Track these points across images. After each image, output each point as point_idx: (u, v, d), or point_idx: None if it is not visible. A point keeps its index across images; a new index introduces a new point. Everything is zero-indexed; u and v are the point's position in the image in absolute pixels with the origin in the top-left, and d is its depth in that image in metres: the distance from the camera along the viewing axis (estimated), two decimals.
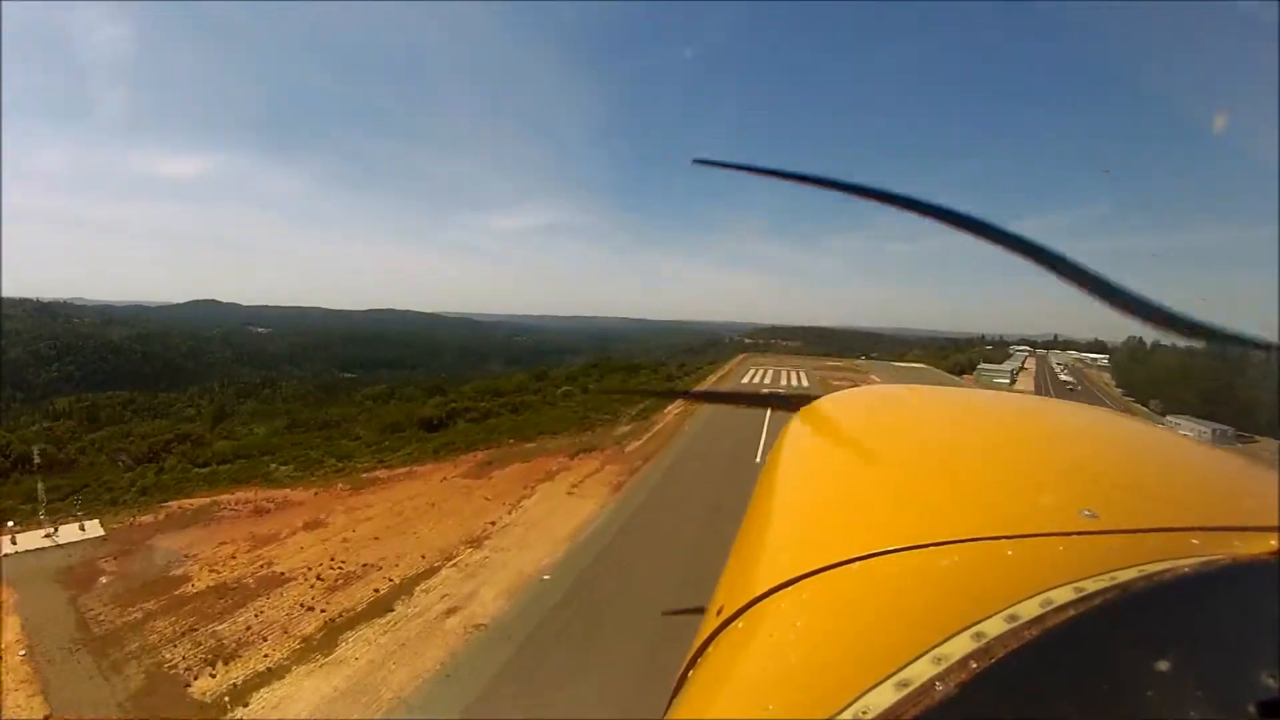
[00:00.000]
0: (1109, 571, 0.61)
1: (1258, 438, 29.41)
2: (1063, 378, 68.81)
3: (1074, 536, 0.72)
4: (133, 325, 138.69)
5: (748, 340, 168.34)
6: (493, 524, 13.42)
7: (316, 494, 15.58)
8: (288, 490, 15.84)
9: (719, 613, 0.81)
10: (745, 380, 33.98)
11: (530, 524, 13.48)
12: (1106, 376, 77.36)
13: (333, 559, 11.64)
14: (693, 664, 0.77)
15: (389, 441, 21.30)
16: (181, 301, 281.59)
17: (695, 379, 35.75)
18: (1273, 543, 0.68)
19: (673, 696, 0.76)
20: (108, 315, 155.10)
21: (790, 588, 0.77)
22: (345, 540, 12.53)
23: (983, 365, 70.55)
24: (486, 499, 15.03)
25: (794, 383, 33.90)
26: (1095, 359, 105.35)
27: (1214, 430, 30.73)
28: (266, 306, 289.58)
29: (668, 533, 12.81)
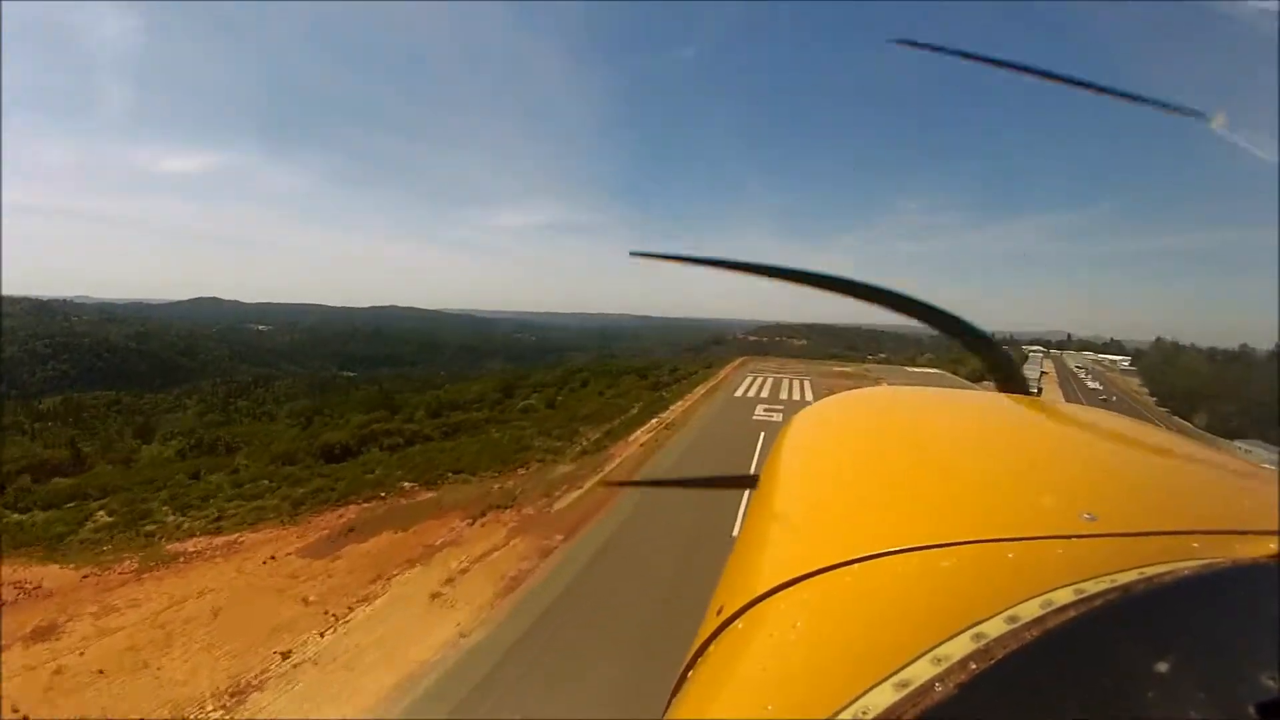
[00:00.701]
0: (1109, 574, 0.61)
1: None
2: (1090, 385, 62.96)
3: (1074, 539, 0.73)
4: (130, 323, 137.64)
5: (751, 338, 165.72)
6: (285, 657, 8.41)
7: (87, 577, 11.38)
8: (57, 566, 11.80)
9: (719, 613, 0.81)
10: (739, 394, 28.54)
11: (342, 663, 8.30)
12: (1135, 383, 72.10)
13: (14, 710, 7.71)
14: (693, 664, 0.77)
15: (268, 479, 16.75)
16: (183, 299, 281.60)
17: (687, 385, 31.59)
18: (1273, 546, 0.68)
19: (673, 696, 0.76)
20: (108, 313, 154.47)
21: (790, 588, 0.77)
22: (59, 671, 8.56)
23: None
24: (307, 601, 9.98)
25: (796, 396, 28.38)
26: (1113, 361, 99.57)
27: None
28: (268, 304, 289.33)
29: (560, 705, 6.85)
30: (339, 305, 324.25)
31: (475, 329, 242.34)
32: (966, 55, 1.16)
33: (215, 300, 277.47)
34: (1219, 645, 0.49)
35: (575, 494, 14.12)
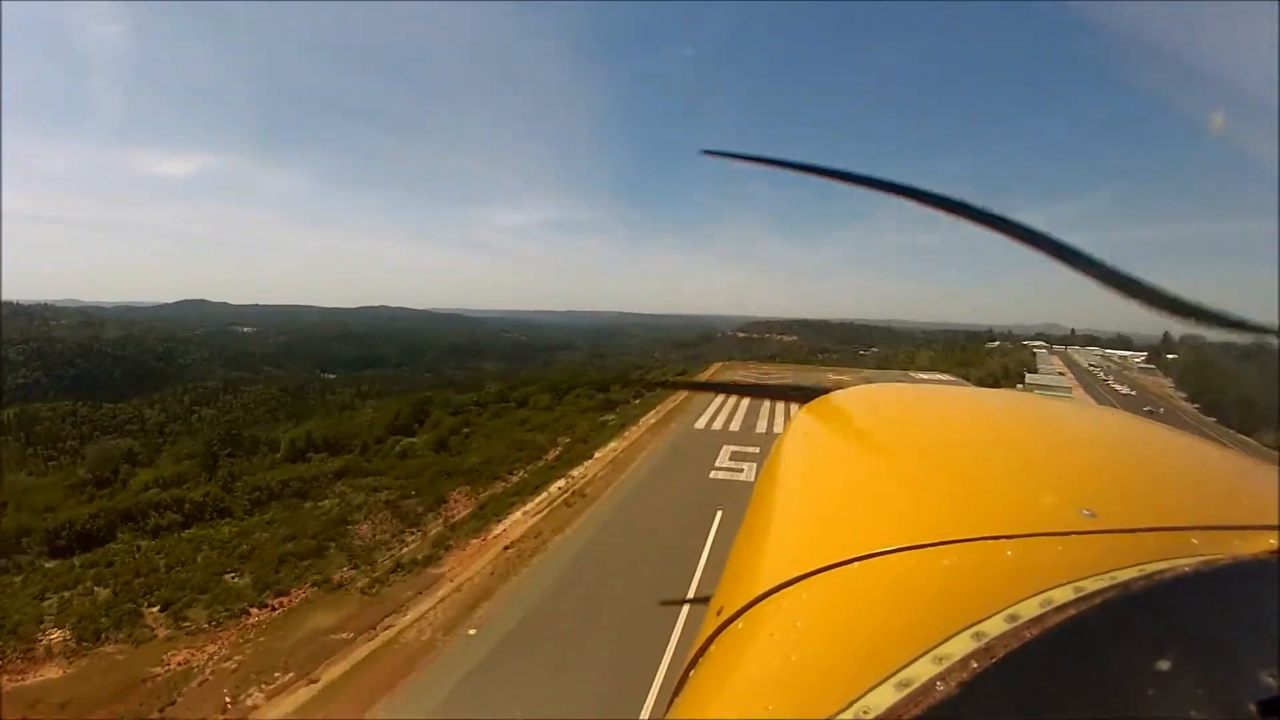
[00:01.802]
0: (1109, 571, 0.61)
1: None
2: (1119, 389, 56.29)
3: (1074, 536, 0.73)
4: (110, 327, 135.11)
5: (741, 335, 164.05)
6: None
7: None
8: None
9: (719, 612, 0.82)
10: (701, 424, 22.75)
11: None
12: (1165, 383, 64.99)
13: None
14: (694, 664, 0.78)
15: None
16: (171, 301, 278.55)
17: (640, 407, 26.92)
18: (1273, 542, 0.68)
19: (674, 696, 0.77)
20: (89, 317, 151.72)
21: (791, 587, 0.77)
22: None
23: (1030, 376, 57.58)
24: None
25: (777, 428, 20.21)
26: (1123, 358, 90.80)
27: None
28: (257, 305, 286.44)
29: None
30: (330, 306, 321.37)
31: (466, 329, 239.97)
32: (772, 162, 1.19)
33: (203, 302, 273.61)
34: (1219, 642, 0.49)
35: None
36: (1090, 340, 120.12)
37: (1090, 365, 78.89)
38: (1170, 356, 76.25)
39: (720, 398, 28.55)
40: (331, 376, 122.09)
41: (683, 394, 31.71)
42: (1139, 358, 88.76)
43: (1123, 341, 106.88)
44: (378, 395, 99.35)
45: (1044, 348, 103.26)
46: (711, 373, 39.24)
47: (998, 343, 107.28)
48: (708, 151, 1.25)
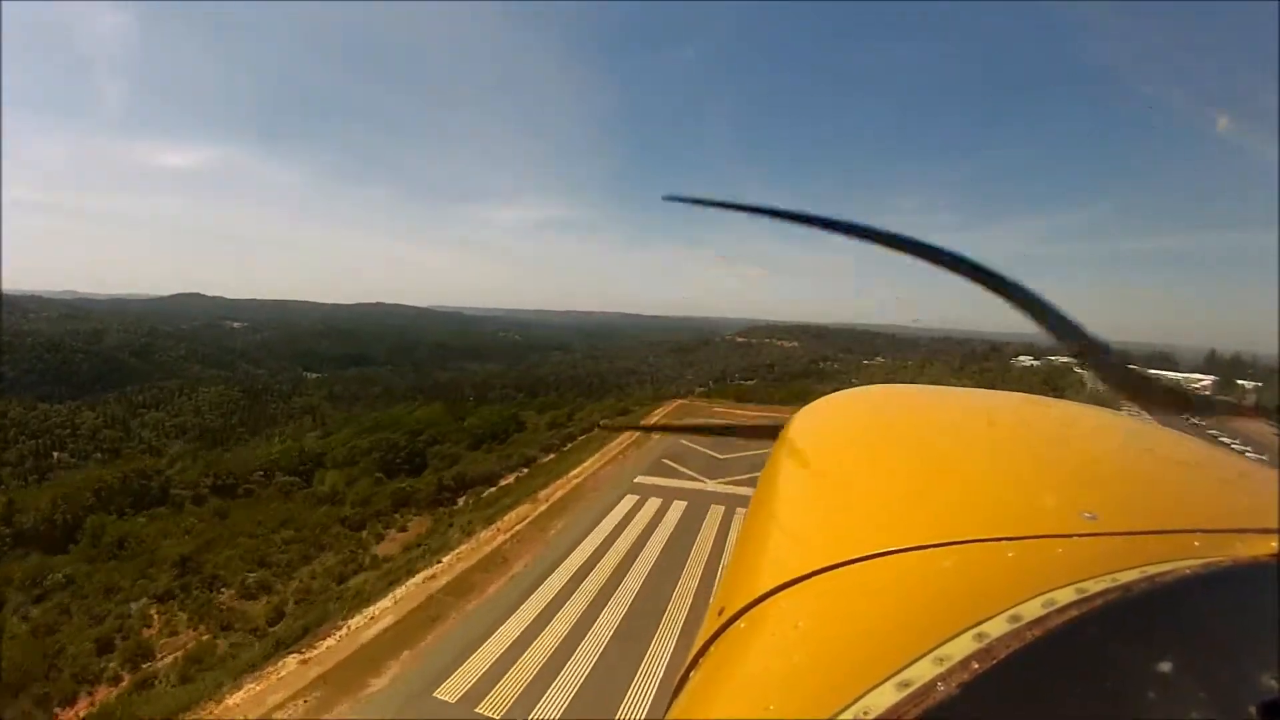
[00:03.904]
0: (1111, 572, 0.61)
1: None
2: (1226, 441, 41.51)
3: (1075, 538, 0.73)
4: (91, 321, 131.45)
5: (740, 339, 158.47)
6: None
7: None
8: None
9: (720, 613, 0.82)
10: (617, 515, 16.37)
11: None
12: (1268, 427, 49.00)
13: None
14: (694, 664, 0.78)
15: None
16: (166, 294, 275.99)
17: (556, 469, 19.36)
18: (1274, 544, 0.68)
19: (674, 696, 0.77)
20: (77, 310, 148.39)
21: (792, 588, 0.78)
22: None
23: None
24: None
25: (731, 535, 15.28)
26: (1191, 382, 73.75)
27: None
28: (252, 299, 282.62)
29: None
30: (327, 302, 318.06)
31: (461, 327, 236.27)
32: (731, 206, 1.20)
33: (198, 296, 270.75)
34: (1220, 644, 0.49)
35: None
36: (1126, 358, 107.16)
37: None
38: (1246, 383, 62.15)
39: (656, 474, 20.57)
40: (313, 375, 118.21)
41: (618, 445, 24.10)
42: (1202, 382, 76.47)
43: (1164, 359, 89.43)
44: (349, 399, 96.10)
45: (1030, 361, 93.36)
46: (662, 416, 33.15)
47: (1030, 359, 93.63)
48: (668, 197, 1.27)
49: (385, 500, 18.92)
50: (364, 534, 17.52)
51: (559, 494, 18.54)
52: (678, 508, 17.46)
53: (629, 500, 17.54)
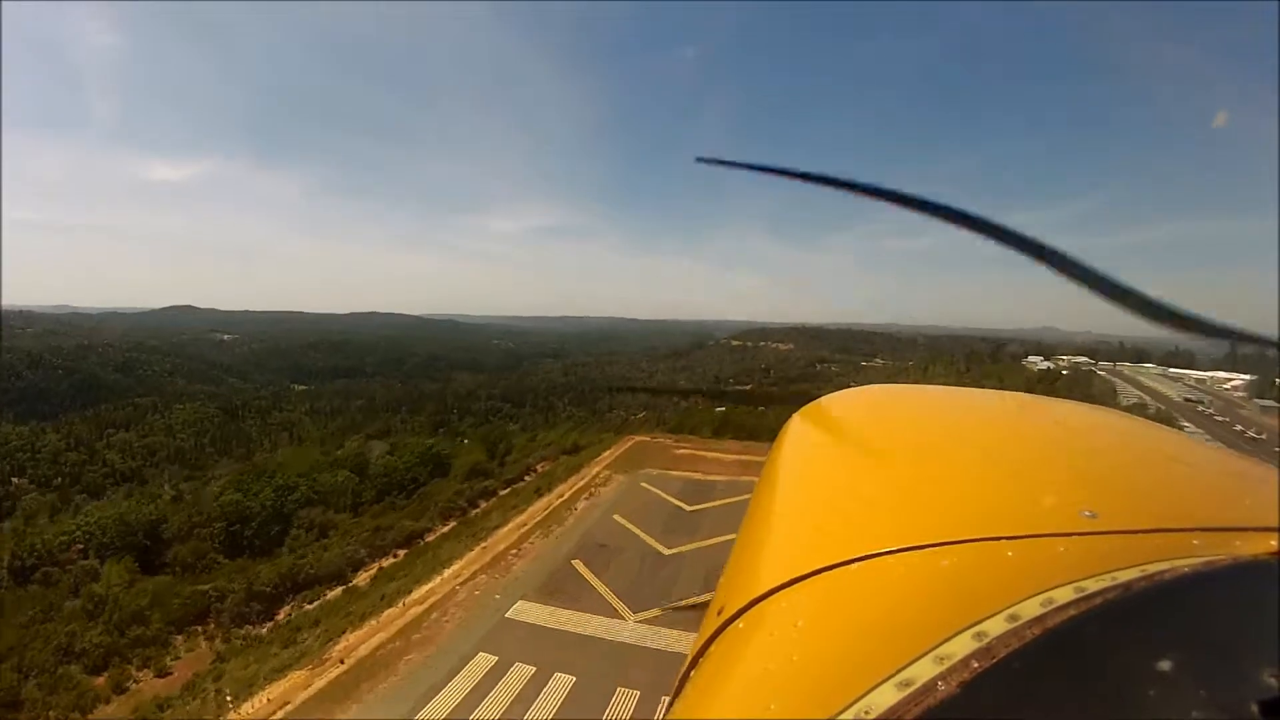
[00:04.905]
0: (1110, 571, 0.62)
1: None
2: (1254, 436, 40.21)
3: (1075, 537, 0.74)
4: (73, 335, 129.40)
5: (735, 342, 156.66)
6: None
7: None
8: None
9: (720, 612, 0.82)
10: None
11: None
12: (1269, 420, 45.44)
13: None
14: (694, 664, 0.78)
15: None
16: (159, 307, 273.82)
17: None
18: (1273, 543, 0.69)
19: (674, 696, 0.78)
20: (65, 324, 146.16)
21: (791, 587, 0.78)
22: None
23: None
24: None
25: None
26: (1200, 381, 69.26)
27: None
28: (244, 312, 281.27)
29: None
30: (320, 312, 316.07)
31: (456, 336, 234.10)
32: (767, 169, 1.15)
33: (190, 309, 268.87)
34: (1220, 643, 0.49)
35: None
36: (1140, 355, 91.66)
37: (1187, 399, 59.01)
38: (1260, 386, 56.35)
39: (551, 593, 13.44)
40: (300, 388, 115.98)
41: (529, 518, 18.63)
42: (1234, 382, 67.64)
43: (1182, 357, 78.75)
44: (331, 413, 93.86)
45: (1088, 363, 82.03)
46: (607, 463, 27.01)
47: (1041, 360, 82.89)
48: (702, 159, 1.23)
49: (176, 610, 12.28)
50: (101, 679, 11.37)
51: (377, 638, 11.55)
52: (557, 688, 10.34)
53: (477, 666, 10.50)
